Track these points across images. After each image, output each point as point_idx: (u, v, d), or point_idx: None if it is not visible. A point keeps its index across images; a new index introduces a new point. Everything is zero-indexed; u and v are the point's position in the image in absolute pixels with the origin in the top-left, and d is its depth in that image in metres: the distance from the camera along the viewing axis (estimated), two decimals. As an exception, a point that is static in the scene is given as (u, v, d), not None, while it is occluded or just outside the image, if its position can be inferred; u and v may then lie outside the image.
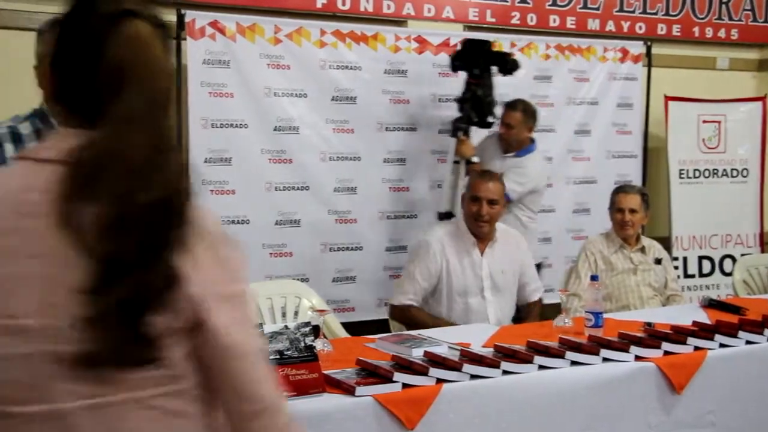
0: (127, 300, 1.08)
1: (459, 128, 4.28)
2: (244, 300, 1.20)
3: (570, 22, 5.17)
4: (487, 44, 4.38)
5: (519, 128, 4.30)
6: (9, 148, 2.21)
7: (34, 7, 3.85)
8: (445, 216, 4.31)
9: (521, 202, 4.23)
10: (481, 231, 3.58)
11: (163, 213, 1.11)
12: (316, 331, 2.55)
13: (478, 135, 4.46)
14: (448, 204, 4.38)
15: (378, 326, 3.99)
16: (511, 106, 4.34)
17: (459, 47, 4.41)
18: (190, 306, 1.14)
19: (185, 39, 4.08)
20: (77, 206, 1.09)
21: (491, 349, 2.70)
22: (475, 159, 4.25)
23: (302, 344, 2.32)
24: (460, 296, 3.58)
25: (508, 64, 4.33)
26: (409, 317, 3.57)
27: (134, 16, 1.17)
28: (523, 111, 4.30)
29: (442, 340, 2.82)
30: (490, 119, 4.35)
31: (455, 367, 2.46)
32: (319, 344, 2.54)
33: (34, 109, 2.28)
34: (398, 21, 4.73)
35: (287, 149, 4.38)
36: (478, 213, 3.54)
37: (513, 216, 4.19)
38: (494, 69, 4.34)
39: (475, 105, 4.29)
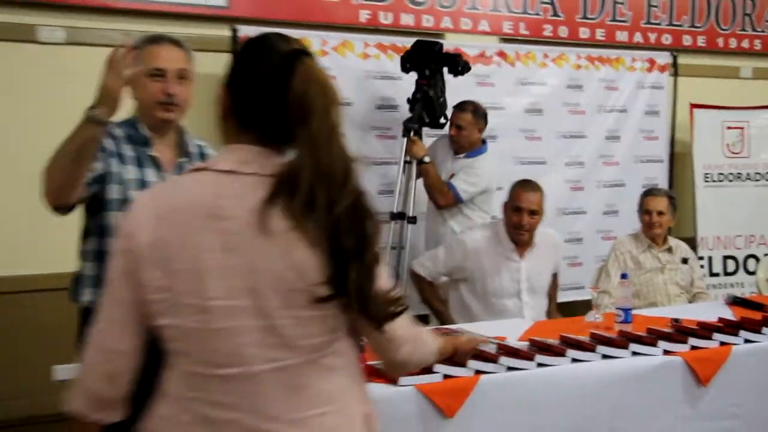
0: (355, 281, 1.33)
1: (410, 129, 4.16)
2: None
3: (600, 34, 5.15)
4: (437, 45, 4.18)
5: (469, 129, 4.12)
6: (109, 143, 2.32)
7: (107, 24, 3.94)
8: (397, 216, 4.20)
9: (472, 202, 4.13)
10: (521, 240, 3.56)
11: (356, 213, 1.34)
12: None
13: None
14: (402, 205, 4.25)
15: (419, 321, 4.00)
16: (461, 107, 4.16)
17: (410, 48, 4.24)
18: None
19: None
20: (275, 211, 1.33)
21: (526, 343, 2.70)
22: (426, 159, 4.14)
23: None
24: (496, 298, 3.57)
25: (459, 66, 4.16)
26: (421, 288, 3.71)
27: (305, 55, 1.40)
28: (473, 112, 4.15)
29: (480, 334, 2.83)
30: (441, 120, 4.20)
31: (492, 359, 2.47)
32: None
33: (126, 119, 2.40)
34: (437, 34, 4.72)
35: None
36: (519, 223, 3.50)
37: (464, 216, 4.11)
38: (445, 70, 4.23)
39: (426, 106, 4.15)
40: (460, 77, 4.29)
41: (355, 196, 1.35)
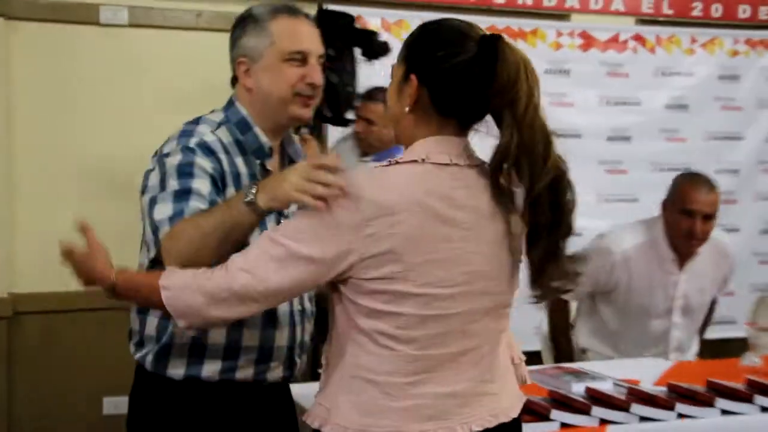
0: (546, 254, 1.67)
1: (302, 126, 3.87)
2: None
3: (764, 13, 5.00)
4: (348, 18, 3.83)
5: (381, 124, 3.68)
6: (224, 159, 2.05)
7: (174, 4, 4.06)
8: None
9: None
10: (689, 251, 3.30)
11: (556, 188, 1.65)
12: None
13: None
14: None
15: (531, 358, 3.93)
16: (370, 96, 3.74)
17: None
18: None
19: None
20: (503, 197, 1.66)
21: (664, 388, 2.64)
22: None
23: None
24: (641, 317, 3.37)
25: (374, 46, 3.72)
26: (558, 317, 3.48)
27: (500, 39, 1.67)
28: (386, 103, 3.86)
29: (607, 374, 2.77)
30: (348, 115, 3.78)
31: (622, 406, 2.42)
32: None
33: (231, 113, 2.13)
34: (560, 15, 4.69)
35: None
36: (691, 231, 3.21)
37: None
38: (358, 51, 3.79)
39: (329, 96, 3.42)
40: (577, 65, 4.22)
41: (556, 172, 1.65)
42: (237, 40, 2.11)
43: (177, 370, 2.06)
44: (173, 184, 1.94)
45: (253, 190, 1.74)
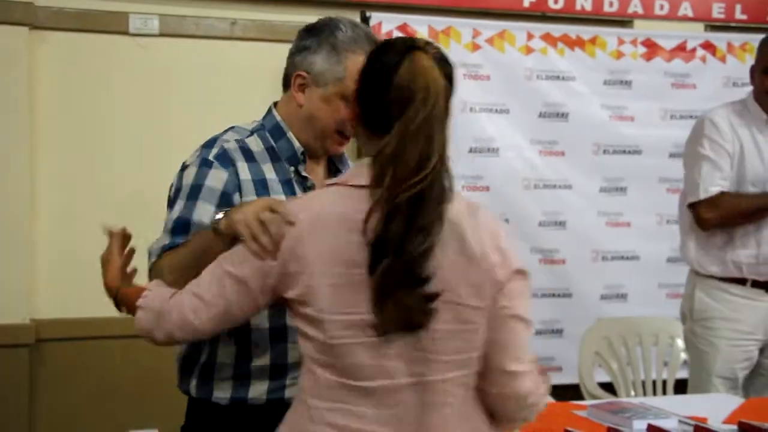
0: (388, 273, 1.64)
1: None
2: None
3: (844, 19, 4.91)
4: None
5: None
6: (243, 167, 2.14)
7: (200, 12, 4.10)
8: None
9: None
10: None
11: (419, 205, 1.63)
12: None
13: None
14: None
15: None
16: None
17: None
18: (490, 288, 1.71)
19: None
20: (372, 215, 1.66)
21: (734, 427, 2.59)
22: None
23: None
24: (755, 188, 3.49)
25: None
26: (727, 210, 3.47)
27: (418, 50, 1.71)
28: None
29: (671, 411, 2.72)
30: None
31: None
32: None
33: (267, 121, 2.24)
34: (622, 21, 4.68)
35: (484, 174, 4.41)
36: None
37: None
38: None
39: None
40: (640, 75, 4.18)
41: (423, 188, 1.64)
42: (305, 51, 2.16)
43: (223, 393, 2.12)
44: (179, 206, 2.11)
45: (220, 214, 1.86)
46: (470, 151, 4.38)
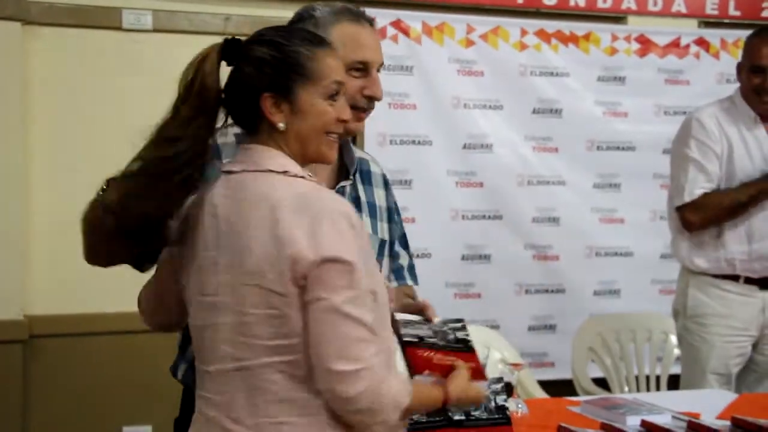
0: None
1: None
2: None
3: None
4: None
5: None
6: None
7: (193, 8, 4.08)
8: None
9: None
10: (765, 108, 3.48)
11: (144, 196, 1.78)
12: (508, 389, 2.53)
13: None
14: None
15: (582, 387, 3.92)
16: None
17: None
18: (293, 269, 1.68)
19: None
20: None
21: (727, 423, 2.57)
22: None
23: (493, 404, 2.31)
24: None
25: None
26: (711, 210, 3.47)
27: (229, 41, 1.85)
28: None
29: (664, 407, 2.72)
30: None
31: None
32: (512, 405, 2.53)
33: None
34: (616, 17, 4.67)
35: (478, 170, 4.41)
36: (761, 87, 3.44)
37: None
38: None
39: None
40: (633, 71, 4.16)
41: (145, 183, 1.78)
42: None
43: None
44: None
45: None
46: (464, 147, 4.38)
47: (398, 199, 4.10)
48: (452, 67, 4.34)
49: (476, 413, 2.29)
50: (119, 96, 3.99)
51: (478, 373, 2.00)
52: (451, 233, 4.38)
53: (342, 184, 2.18)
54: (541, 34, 4.46)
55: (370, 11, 4.04)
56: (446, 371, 1.91)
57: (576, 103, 4.52)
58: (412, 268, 2.41)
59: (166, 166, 1.76)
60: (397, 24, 4.25)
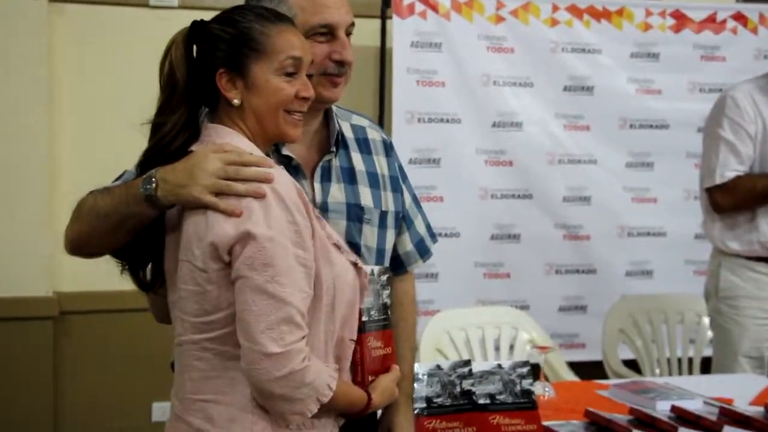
0: None
1: None
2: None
3: None
4: None
5: None
6: None
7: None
8: None
9: None
10: None
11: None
12: (535, 372, 2.50)
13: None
14: None
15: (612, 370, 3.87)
16: None
17: None
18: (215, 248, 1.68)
19: (390, 18, 4.16)
20: None
21: (761, 409, 2.53)
22: None
23: (518, 388, 2.28)
24: None
25: None
26: (742, 194, 3.38)
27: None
28: None
29: (696, 392, 2.67)
30: None
31: (712, 428, 2.34)
32: (538, 388, 2.54)
33: None
34: (647, -8, 4.60)
35: (507, 149, 4.37)
36: None
37: None
38: None
39: None
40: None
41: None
42: None
43: None
44: None
45: (153, 180, 1.75)
46: (493, 125, 4.34)
47: (426, 177, 4.26)
48: (482, 44, 4.30)
49: (501, 397, 2.26)
50: (145, 72, 3.93)
51: None
52: (480, 212, 4.36)
53: (326, 158, 2.08)
54: (573, 9, 4.40)
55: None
56: None
57: (608, 81, 4.47)
58: (429, 227, 2.33)
59: (155, 154, 1.78)
60: (425, 0, 4.20)
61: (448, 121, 4.27)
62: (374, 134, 2.21)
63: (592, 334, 4.40)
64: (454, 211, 4.27)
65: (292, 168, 2.00)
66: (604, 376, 3.67)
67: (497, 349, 3.51)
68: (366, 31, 4.10)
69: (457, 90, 4.27)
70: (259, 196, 1.66)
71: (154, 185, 1.73)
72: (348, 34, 2.03)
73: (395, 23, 4.15)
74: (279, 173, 1.74)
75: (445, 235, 4.24)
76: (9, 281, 3.88)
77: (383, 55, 4.18)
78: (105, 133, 3.97)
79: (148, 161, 1.79)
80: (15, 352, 3.94)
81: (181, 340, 1.75)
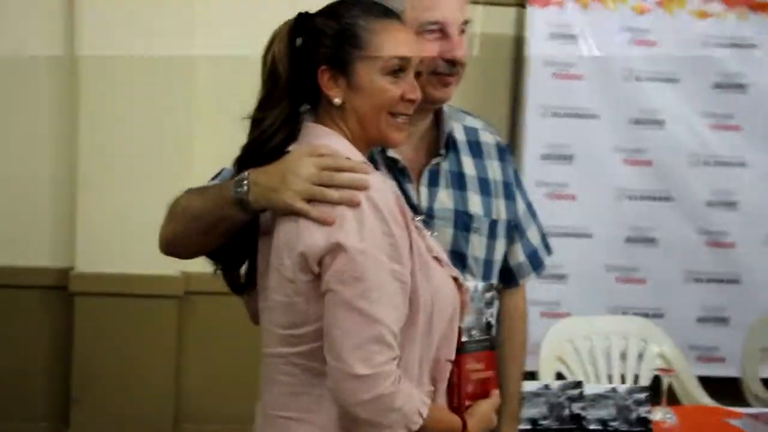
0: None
1: None
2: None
3: None
4: None
5: None
6: None
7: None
8: None
9: None
10: None
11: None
12: (655, 396, 2.38)
13: None
14: None
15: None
16: None
17: None
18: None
19: (525, 7, 4.06)
20: None
21: None
22: None
23: (634, 415, 2.19)
24: None
25: None
26: None
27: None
28: None
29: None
30: None
31: None
32: (658, 414, 2.41)
33: None
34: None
35: (647, 148, 4.19)
36: None
37: None
38: None
39: None
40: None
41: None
42: None
43: None
44: None
45: (245, 183, 1.66)
46: (633, 122, 4.17)
47: (558, 174, 4.11)
48: (624, 36, 4.13)
49: (614, 424, 2.17)
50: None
51: None
52: (614, 213, 4.20)
53: (434, 161, 1.98)
54: (726, 0, 4.17)
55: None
56: None
57: (763, 78, 4.21)
58: (544, 237, 2.20)
59: (253, 151, 1.69)
60: None
61: (584, 116, 4.13)
62: (488, 137, 2.09)
63: (733, 349, 4.19)
64: (586, 211, 4.15)
65: (398, 171, 1.92)
66: (742, 398, 3.51)
67: (623, 359, 3.36)
68: (500, 20, 4.03)
69: (595, 84, 4.13)
70: (353, 205, 1.55)
71: (246, 188, 1.65)
72: (462, 31, 1.92)
73: (530, 13, 4.04)
74: (376, 180, 1.62)
75: (576, 235, 4.14)
76: (140, 258, 3.91)
77: (518, 47, 4.06)
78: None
79: (246, 158, 1.70)
80: (141, 328, 4.02)
81: (268, 351, 1.67)
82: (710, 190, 4.23)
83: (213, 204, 1.73)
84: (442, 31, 1.89)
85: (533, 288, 3.94)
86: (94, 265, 4.00)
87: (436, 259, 1.67)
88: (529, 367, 2.18)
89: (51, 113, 4.02)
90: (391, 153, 1.91)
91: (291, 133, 1.69)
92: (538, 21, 4.04)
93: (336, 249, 1.53)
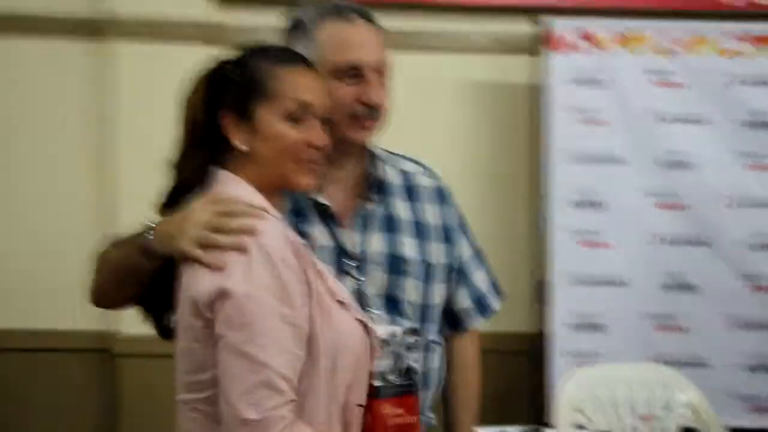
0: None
1: None
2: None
3: None
4: None
5: None
6: None
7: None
8: None
9: None
10: None
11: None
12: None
13: None
14: None
15: None
16: None
17: None
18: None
19: (537, 55, 4.03)
20: None
21: None
22: None
23: None
24: None
25: None
26: None
27: None
28: None
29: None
30: None
31: None
32: None
33: None
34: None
35: (680, 191, 4.07)
36: None
37: None
38: None
39: None
40: None
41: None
42: None
43: None
44: None
45: (152, 232, 1.69)
46: (663, 165, 4.07)
47: (589, 221, 4.03)
48: (648, 78, 4.04)
49: None
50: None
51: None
52: (649, 259, 4.08)
53: (365, 205, 1.99)
54: (752, 38, 4.08)
55: (551, 21, 3.89)
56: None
57: None
58: (494, 284, 2.20)
59: (169, 200, 1.73)
60: (584, 33, 4.03)
61: (612, 161, 4.05)
62: (426, 181, 2.10)
63: (780, 400, 4.07)
64: (620, 258, 4.05)
65: (329, 216, 1.94)
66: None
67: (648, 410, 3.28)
68: (515, 68, 4.04)
69: (621, 128, 4.04)
70: (242, 250, 1.57)
71: (152, 236, 1.69)
72: (380, 74, 1.93)
73: (552, 59, 3.99)
74: (268, 225, 1.62)
75: (611, 283, 4.04)
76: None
77: (539, 93, 4.01)
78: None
79: (165, 206, 1.74)
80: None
81: (178, 398, 1.67)
82: (749, 233, 4.09)
83: (125, 253, 1.76)
84: (359, 75, 1.89)
85: (572, 339, 3.89)
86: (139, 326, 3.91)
87: (340, 302, 1.66)
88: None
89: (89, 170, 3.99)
90: (320, 198, 1.92)
91: (206, 179, 1.72)
92: (559, 67, 4.00)
93: (223, 294, 1.54)
